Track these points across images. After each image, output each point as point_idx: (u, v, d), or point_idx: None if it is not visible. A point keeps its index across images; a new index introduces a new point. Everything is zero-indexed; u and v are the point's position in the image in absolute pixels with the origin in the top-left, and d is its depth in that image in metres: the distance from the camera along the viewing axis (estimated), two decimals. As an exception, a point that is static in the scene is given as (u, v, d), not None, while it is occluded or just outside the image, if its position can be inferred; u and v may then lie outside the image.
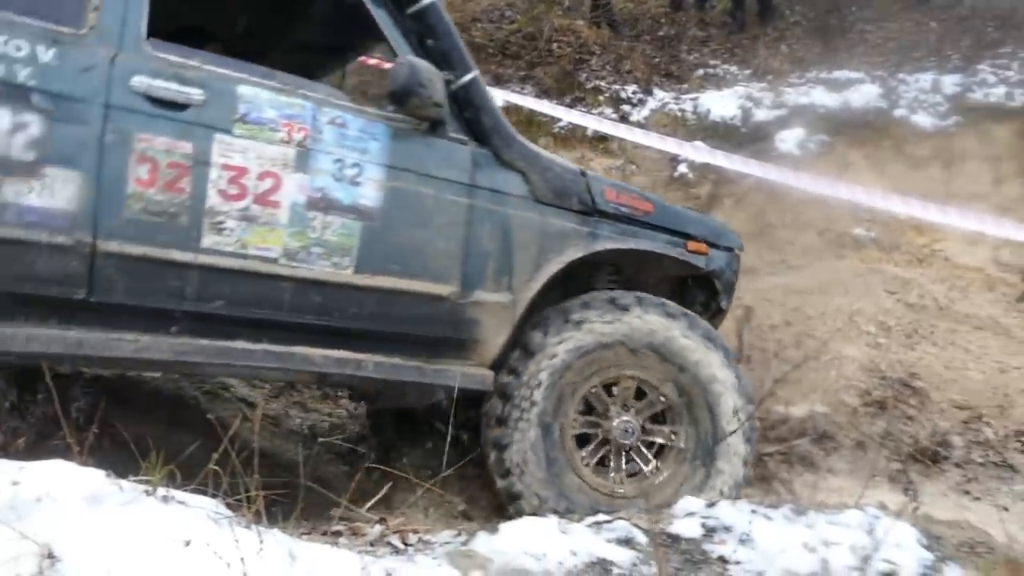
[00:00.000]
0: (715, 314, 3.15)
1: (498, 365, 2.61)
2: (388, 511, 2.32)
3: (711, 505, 2.35)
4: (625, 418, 2.72)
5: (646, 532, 2.15)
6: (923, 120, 6.42)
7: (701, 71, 7.47)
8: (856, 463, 3.73)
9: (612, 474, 2.73)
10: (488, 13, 8.26)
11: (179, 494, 1.65)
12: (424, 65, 2.33)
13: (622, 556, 2.05)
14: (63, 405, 1.82)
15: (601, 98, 7.09)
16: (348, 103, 2.38)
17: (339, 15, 2.67)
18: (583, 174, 2.75)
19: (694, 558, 2.11)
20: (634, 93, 7.08)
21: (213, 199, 2.13)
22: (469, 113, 2.53)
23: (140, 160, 2.05)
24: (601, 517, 2.27)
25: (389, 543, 2.01)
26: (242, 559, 1.45)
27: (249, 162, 2.17)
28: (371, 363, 2.36)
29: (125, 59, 2.06)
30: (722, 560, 2.10)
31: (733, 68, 7.54)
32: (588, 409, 2.74)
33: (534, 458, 2.57)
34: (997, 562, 2.29)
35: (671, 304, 2.83)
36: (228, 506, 1.70)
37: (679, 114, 6.83)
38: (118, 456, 1.95)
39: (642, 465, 2.78)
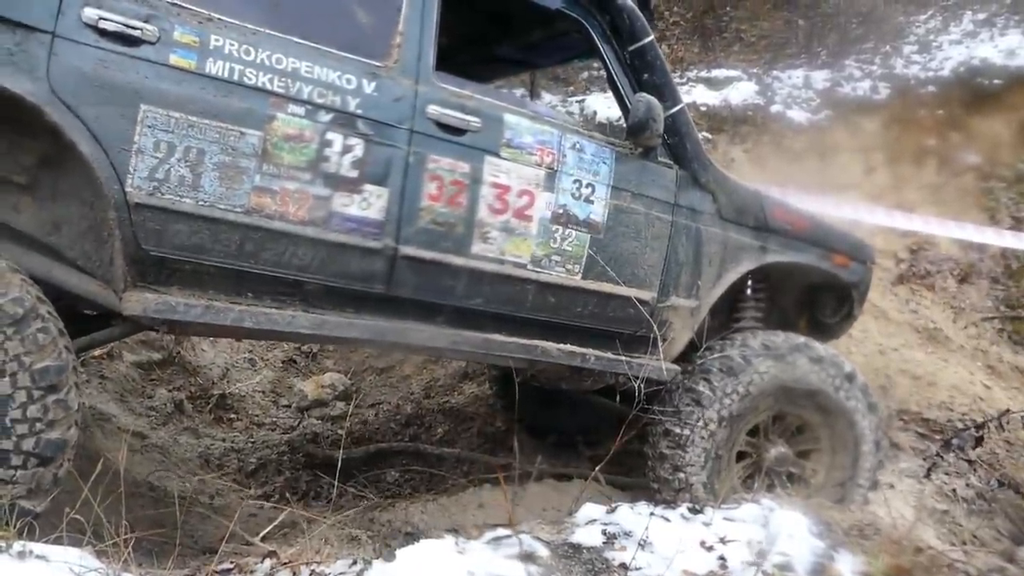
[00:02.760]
0: (844, 319, 3.55)
1: (679, 360, 3.03)
2: (286, 542, 2.27)
3: (612, 511, 2.40)
4: (781, 448, 3.14)
5: (547, 544, 2.14)
6: (797, 115, 6.70)
7: (585, 73, 7.48)
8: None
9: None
10: None
11: (39, 547, 1.58)
12: (656, 102, 2.68)
13: (521, 572, 1.99)
14: None
15: None
16: (583, 130, 2.74)
17: (568, 47, 3.01)
18: (759, 195, 3.12)
19: (595, 567, 2.10)
20: (522, 96, 7.31)
21: (483, 212, 2.50)
22: (674, 140, 2.89)
23: (431, 178, 2.41)
24: (501, 532, 2.19)
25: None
26: None
27: (512, 181, 2.54)
28: (592, 356, 2.76)
29: (423, 90, 2.41)
30: (623, 567, 2.09)
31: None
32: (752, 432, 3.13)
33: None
34: (882, 544, 2.32)
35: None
36: (98, 552, 1.65)
37: (567, 116, 6.93)
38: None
39: (779, 487, 3.18)
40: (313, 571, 1.94)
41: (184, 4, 2.10)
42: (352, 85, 2.29)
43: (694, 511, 2.44)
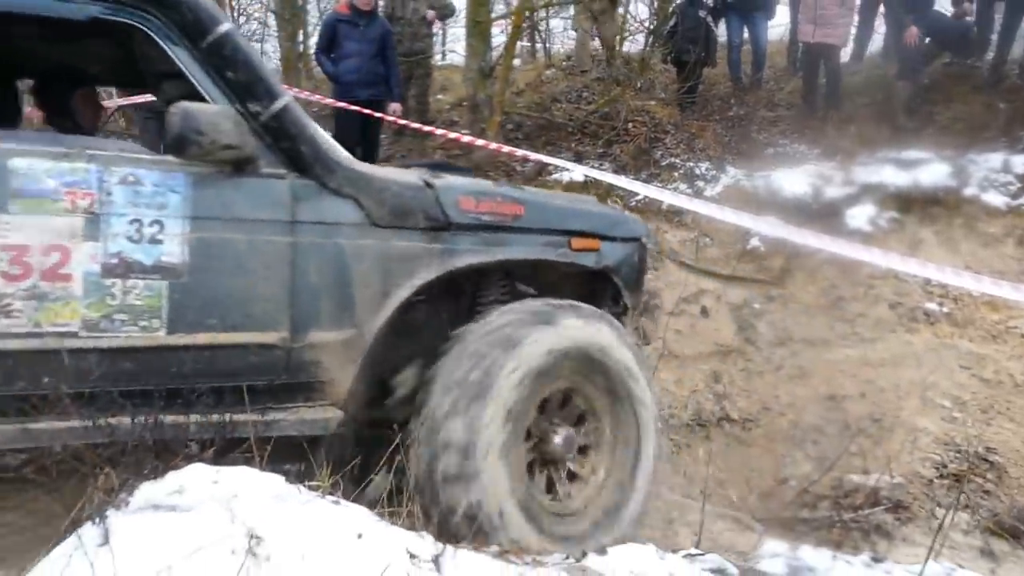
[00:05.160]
0: (624, 311, 2.91)
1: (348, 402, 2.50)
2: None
3: (795, 548, 2.52)
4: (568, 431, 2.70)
5: (737, 566, 2.31)
6: (994, 199, 6.46)
7: (771, 150, 7.77)
8: (931, 534, 3.61)
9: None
10: (567, 94, 8.84)
11: (344, 501, 1.96)
12: (202, 109, 2.19)
13: (717, 585, 2.23)
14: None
15: (675, 174, 7.40)
16: (145, 156, 2.27)
17: (142, 51, 2.55)
18: (429, 186, 2.55)
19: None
20: (707, 170, 7.40)
21: (-6, 281, 2.09)
22: (286, 144, 2.38)
23: (-86, 252, 2.03)
24: (694, 550, 2.44)
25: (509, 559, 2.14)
26: (411, 552, 1.82)
27: (30, 238, 2.11)
28: (193, 424, 2.29)
29: None
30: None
31: (802, 147, 7.78)
32: None
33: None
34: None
35: None
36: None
37: (751, 190, 6.99)
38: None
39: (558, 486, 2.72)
40: (534, 558, 2.18)
41: None
42: None
43: (876, 560, 2.48)
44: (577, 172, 6.50)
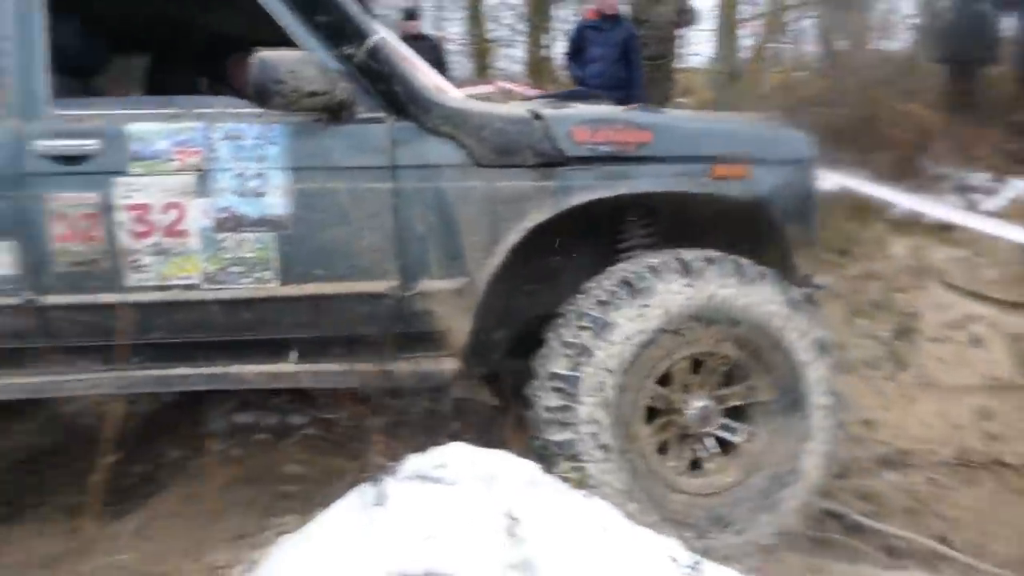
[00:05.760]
0: (785, 253, 2.48)
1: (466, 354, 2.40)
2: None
3: None
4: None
5: None
6: None
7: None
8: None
9: None
10: (820, 97, 8.10)
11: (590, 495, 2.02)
12: (280, 56, 2.13)
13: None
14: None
15: (945, 185, 6.65)
16: (245, 110, 2.28)
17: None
18: (538, 117, 2.31)
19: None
20: (986, 181, 6.59)
21: (125, 240, 2.24)
22: (381, 85, 2.27)
23: (57, 219, 2.22)
24: None
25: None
26: (673, 557, 1.84)
27: (150, 198, 2.23)
28: (305, 373, 2.33)
29: (33, 127, 2.22)
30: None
31: None
32: None
33: None
34: None
35: None
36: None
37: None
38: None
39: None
40: None
41: None
42: None
43: None
44: (830, 181, 5.84)
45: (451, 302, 2.34)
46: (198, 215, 2.25)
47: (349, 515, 1.84)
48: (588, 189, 2.31)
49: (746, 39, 9.29)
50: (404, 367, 2.36)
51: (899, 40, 8.89)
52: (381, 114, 2.27)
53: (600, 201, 2.32)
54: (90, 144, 2.22)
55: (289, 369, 2.33)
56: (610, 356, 2.28)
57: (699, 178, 2.34)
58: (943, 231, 5.79)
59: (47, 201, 2.21)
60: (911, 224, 5.93)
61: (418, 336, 2.38)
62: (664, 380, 2.39)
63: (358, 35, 2.25)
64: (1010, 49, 7.59)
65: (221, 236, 2.26)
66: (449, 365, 2.38)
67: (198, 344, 2.34)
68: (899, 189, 6.02)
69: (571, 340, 2.31)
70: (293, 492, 2.67)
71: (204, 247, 2.26)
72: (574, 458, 2.28)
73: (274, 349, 2.35)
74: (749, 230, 2.51)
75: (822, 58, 9.71)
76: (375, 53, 2.25)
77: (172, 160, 2.23)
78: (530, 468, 1.98)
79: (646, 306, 2.29)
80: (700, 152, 2.35)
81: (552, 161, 2.29)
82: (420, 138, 2.27)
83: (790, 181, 2.40)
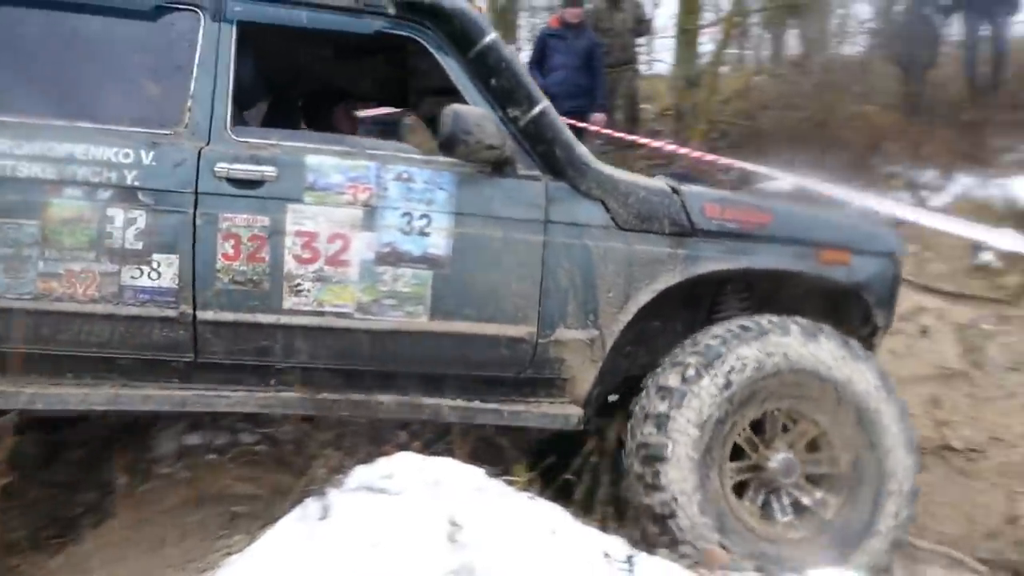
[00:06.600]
0: (874, 332, 2.76)
1: (587, 402, 2.56)
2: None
3: None
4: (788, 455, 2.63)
5: None
6: None
7: (1011, 156, 7.02)
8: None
9: None
10: (777, 101, 8.58)
11: (538, 497, 2.03)
12: (469, 111, 2.34)
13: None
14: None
15: (896, 183, 6.93)
16: (416, 155, 2.47)
17: (411, 65, 2.76)
18: (675, 192, 2.57)
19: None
20: (934, 178, 6.94)
21: (290, 264, 2.34)
22: (541, 147, 2.49)
23: (225, 237, 2.31)
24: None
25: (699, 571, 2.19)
26: (606, 552, 1.87)
27: (319, 227, 2.35)
28: (446, 407, 2.44)
29: (213, 149, 2.34)
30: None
31: None
32: None
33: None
34: None
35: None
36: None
37: (984, 200, 6.40)
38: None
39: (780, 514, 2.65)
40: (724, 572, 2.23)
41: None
42: (129, 159, 2.29)
43: None
44: (786, 181, 6.18)
45: (581, 352, 2.51)
46: (361, 247, 2.38)
47: (293, 531, 1.85)
48: (714, 260, 2.55)
49: (706, 45, 9.55)
50: (535, 410, 2.49)
51: (855, 44, 9.29)
52: (537, 172, 2.49)
53: (724, 271, 2.56)
54: (267, 171, 2.34)
55: (430, 402, 2.43)
56: (691, 421, 2.45)
57: (810, 260, 2.62)
58: (894, 227, 6.07)
59: (219, 220, 2.31)
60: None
61: (545, 381, 2.53)
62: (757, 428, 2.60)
63: (527, 101, 2.48)
64: (959, 53, 8.17)
65: (380, 269, 2.38)
66: (574, 411, 2.52)
67: (342, 371, 2.43)
68: (852, 188, 6.19)
69: (653, 410, 2.49)
70: (243, 512, 2.64)
71: (362, 278, 2.38)
72: (662, 519, 2.43)
73: (414, 381, 2.45)
74: (832, 308, 2.78)
75: (780, 63, 10.14)
76: (541, 119, 2.48)
77: (344, 194, 2.38)
78: (477, 474, 2.01)
79: (731, 369, 2.48)
80: (811, 237, 2.64)
81: (684, 232, 2.54)
82: (572, 198, 2.49)
83: (882, 272, 2.70)
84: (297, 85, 3.40)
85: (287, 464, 2.83)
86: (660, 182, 2.62)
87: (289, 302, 2.35)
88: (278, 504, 2.15)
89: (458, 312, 2.42)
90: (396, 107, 4.43)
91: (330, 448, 2.32)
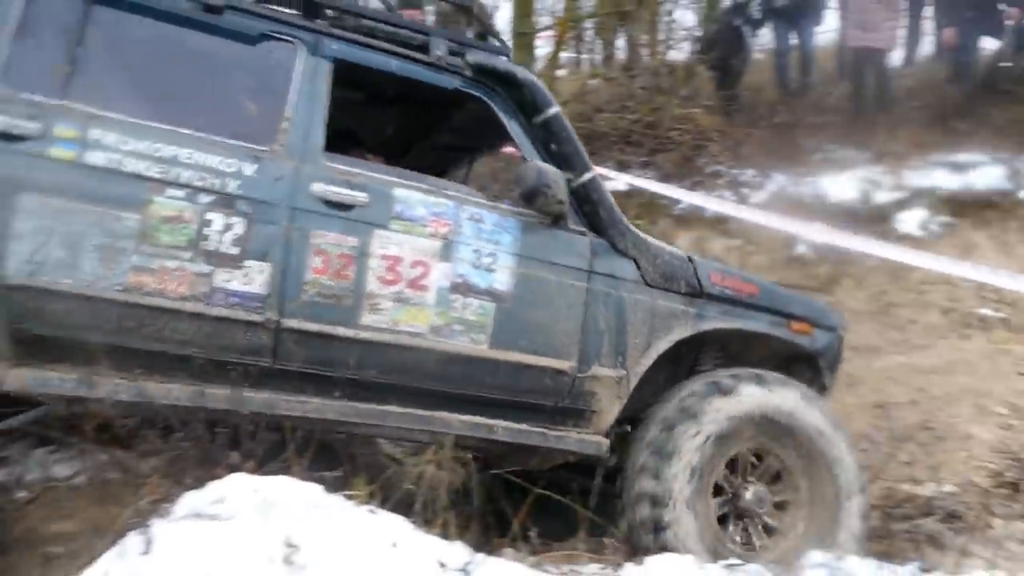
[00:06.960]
0: (823, 390, 3.31)
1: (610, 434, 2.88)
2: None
3: (839, 558, 2.47)
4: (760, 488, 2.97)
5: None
6: None
7: (819, 155, 7.57)
8: (987, 545, 3.53)
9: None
10: (610, 104, 8.77)
11: (379, 510, 2.03)
12: (549, 169, 2.70)
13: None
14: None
15: (720, 182, 7.33)
16: (484, 200, 2.77)
17: (474, 123, 3.10)
18: (690, 260, 3.03)
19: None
20: (753, 177, 7.33)
21: (372, 284, 2.52)
22: (588, 208, 2.88)
23: (316, 252, 2.47)
24: (734, 561, 2.53)
25: (545, 568, 2.34)
26: (441, 561, 1.89)
27: (404, 252, 2.57)
28: (500, 428, 2.67)
29: (307, 169, 2.51)
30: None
31: (851, 152, 7.61)
32: None
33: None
34: None
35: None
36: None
37: (798, 196, 6.91)
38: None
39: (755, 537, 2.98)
40: (572, 568, 2.31)
41: (70, 104, 2.30)
42: (233, 169, 2.42)
43: (924, 570, 2.49)
44: (620, 181, 6.40)
45: (611, 388, 2.84)
46: (439, 276, 2.61)
47: (112, 570, 1.72)
48: (716, 319, 3.02)
49: (542, 49, 9.59)
50: (575, 435, 2.77)
51: (681, 50, 9.60)
52: (583, 228, 2.86)
53: (723, 330, 3.02)
54: (359, 196, 2.55)
55: (490, 422, 2.65)
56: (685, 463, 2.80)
57: (784, 328, 3.15)
58: (720, 223, 6.48)
59: (312, 236, 2.47)
60: (693, 218, 6.58)
61: (576, 412, 2.83)
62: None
63: (581, 167, 2.88)
64: (772, 61, 8.81)
65: (453, 297, 2.62)
66: (604, 441, 2.84)
67: (407, 388, 2.59)
68: (681, 186, 6.60)
69: (649, 464, 2.81)
70: (58, 553, 2.48)
71: (437, 303, 2.60)
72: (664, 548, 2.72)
73: (466, 403, 2.66)
74: (786, 369, 3.30)
75: (612, 67, 10.22)
76: (590, 183, 2.88)
77: (427, 226, 2.62)
78: (313, 491, 1.96)
79: (719, 410, 2.86)
80: (786, 309, 3.18)
81: (695, 293, 2.99)
82: (611, 254, 2.87)
83: (833, 343, 3.29)
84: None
85: (111, 496, 2.70)
86: (679, 250, 3.08)
87: (367, 319, 2.52)
88: (99, 541, 1.98)
89: (514, 343, 2.69)
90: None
91: (157, 476, 2.32)
